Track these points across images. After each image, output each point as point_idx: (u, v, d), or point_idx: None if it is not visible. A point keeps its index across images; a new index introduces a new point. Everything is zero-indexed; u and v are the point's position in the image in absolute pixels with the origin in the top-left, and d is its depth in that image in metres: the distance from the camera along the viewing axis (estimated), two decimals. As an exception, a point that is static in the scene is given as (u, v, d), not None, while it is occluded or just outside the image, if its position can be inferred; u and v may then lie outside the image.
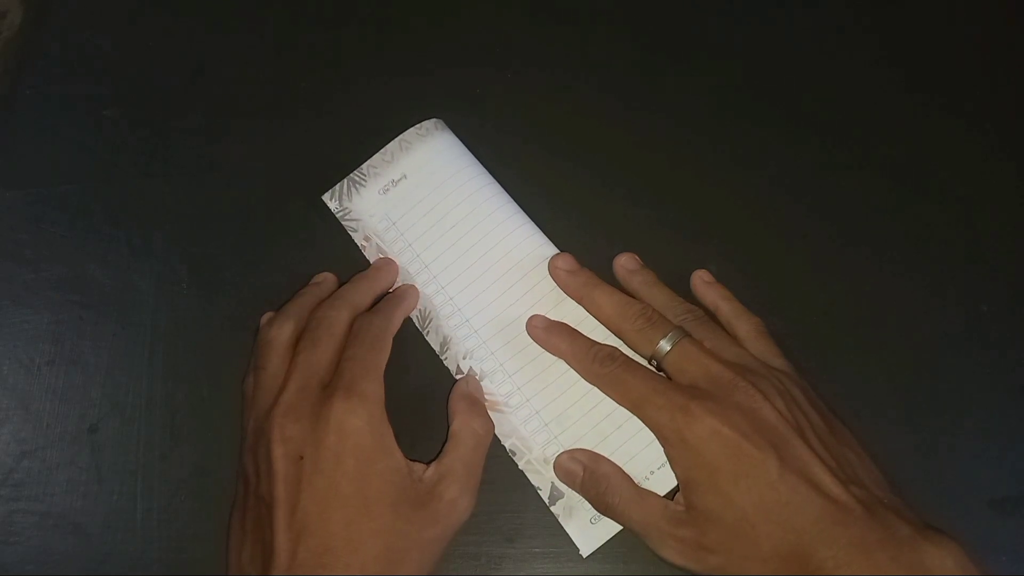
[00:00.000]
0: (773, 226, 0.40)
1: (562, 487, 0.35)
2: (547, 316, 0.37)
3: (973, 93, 0.43)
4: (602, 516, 0.34)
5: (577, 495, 0.35)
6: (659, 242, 0.39)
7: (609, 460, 0.34)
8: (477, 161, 0.41)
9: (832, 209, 0.40)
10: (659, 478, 0.35)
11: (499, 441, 0.36)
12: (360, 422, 0.31)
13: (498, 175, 0.40)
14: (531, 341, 0.37)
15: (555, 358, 0.37)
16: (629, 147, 0.42)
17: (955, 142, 0.42)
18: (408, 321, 0.38)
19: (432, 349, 0.38)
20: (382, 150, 0.41)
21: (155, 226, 0.40)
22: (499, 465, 0.36)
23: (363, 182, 0.40)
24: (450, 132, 0.41)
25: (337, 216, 0.40)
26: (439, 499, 0.32)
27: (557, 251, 0.39)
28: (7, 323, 0.39)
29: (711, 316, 0.37)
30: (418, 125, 0.41)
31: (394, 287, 0.39)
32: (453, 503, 0.32)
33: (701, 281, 0.38)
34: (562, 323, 0.37)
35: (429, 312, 0.38)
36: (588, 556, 0.34)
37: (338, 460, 0.31)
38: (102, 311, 0.39)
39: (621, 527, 0.34)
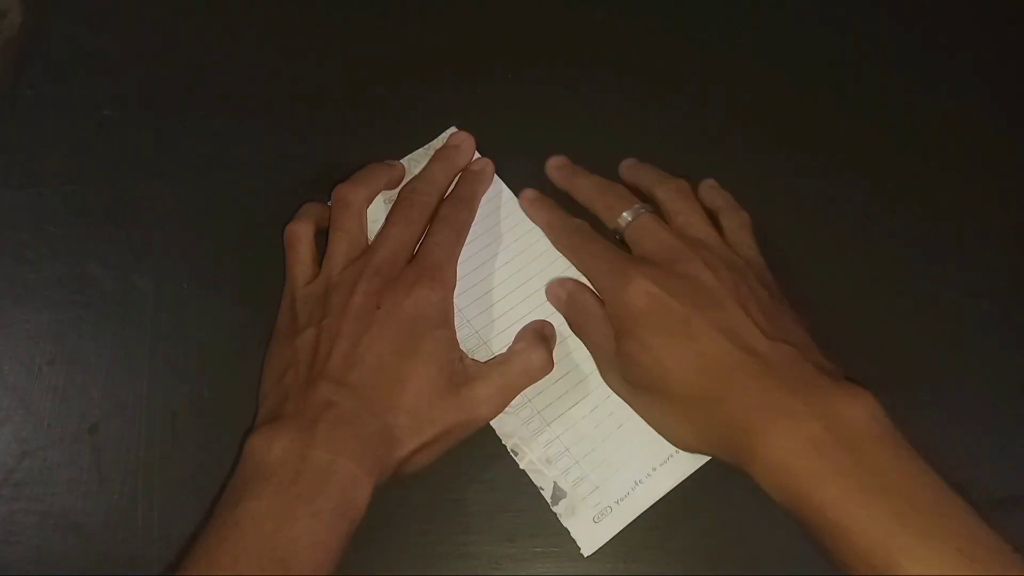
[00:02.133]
0: (772, 226, 0.40)
1: (564, 486, 0.35)
2: (543, 316, 0.38)
3: (974, 93, 0.43)
4: (606, 515, 0.34)
5: (582, 495, 0.35)
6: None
7: (592, 292, 0.37)
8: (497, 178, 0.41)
9: (832, 209, 0.40)
10: (661, 475, 0.35)
11: (500, 441, 0.36)
12: (436, 299, 0.35)
13: (504, 174, 0.41)
14: None
15: (557, 356, 0.37)
16: (641, 148, 0.42)
17: (955, 142, 0.42)
18: None
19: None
20: (406, 157, 0.41)
21: (155, 226, 0.40)
22: (499, 465, 0.36)
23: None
24: (496, 179, 0.41)
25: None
26: (468, 391, 0.34)
27: (560, 254, 0.39)
28: (8, 323, 0.39)
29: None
30: (428, 144, 0.41)
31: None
32: (477, 401, 0.34)
33: (705, 184, 0.40)
34: (548, 199, 0.39)
35: None
36: (590, 556, 0.34)
37: (408, 321, 0.33)
38: (103, 311, 0.39)
39: (624, 526, 0.34)
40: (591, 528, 0.34)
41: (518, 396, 0.36)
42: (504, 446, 0.36)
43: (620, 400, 0.36)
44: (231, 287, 0.39)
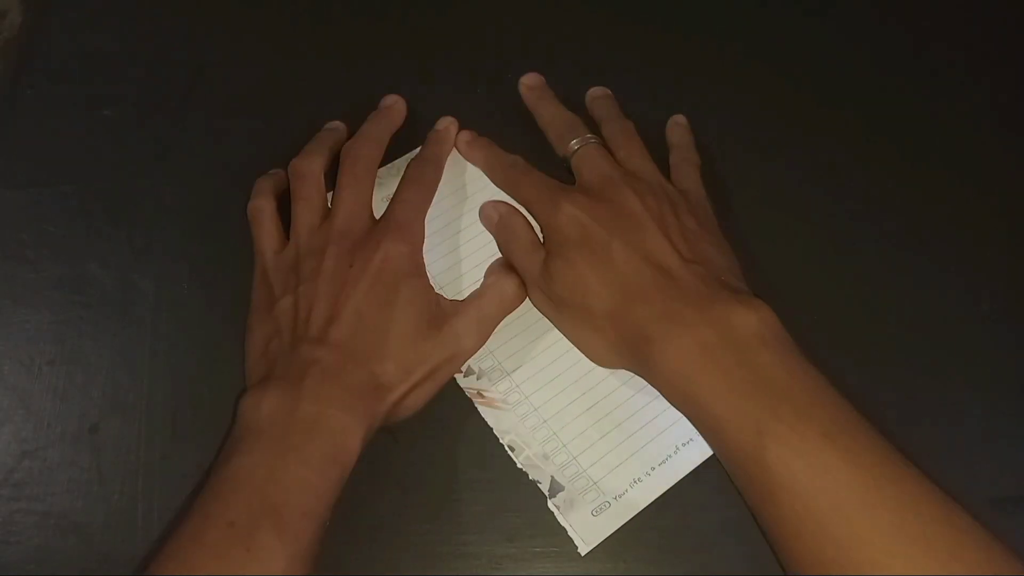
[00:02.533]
0: (771, 226, 0.40)
1: (562, 481, 0.35)
2: (541, 315, 0.38)
3: (973, 92, 0.43)
4: (603, 510, 0.34)
5: (579, 489, 0.35)
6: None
7: (522, 216, 0.38)
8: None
9: (831, 209, 0.40)
10: (659, 475, 0.35)
11: (498, 439, 0.36)
12: (406, 251, 0.36)
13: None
14: (529, 339, 0.37)
15: (553, 356, 0.37)
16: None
17: (955, 141, 0.42)
18: None
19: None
20: (389, 164, 0.41)
21: (155, 226, 0.40)
22: (499, 465, 0.36)
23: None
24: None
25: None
26: (448, 327, 0.35)
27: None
28: (8, 323, 0.39)
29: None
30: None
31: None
32: (458, 335, 0.35)
33: (673, 121, 0.42)
34: (484, 138, 0.41)
35: None
36: (587, 554, 0.34)
37: (381, 274, 0.35)
38: (103, 311, 0.39)
39: (624, 522, 0.34)
40: (589, 522, 0.34)
41: (515, 393, 0.36)
42: (501, 444, 0.36)
43: (619, 398, 0.36)
44: (231, 287, 0.39)
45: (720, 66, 0.44)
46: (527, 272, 0.37)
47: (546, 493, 0.35)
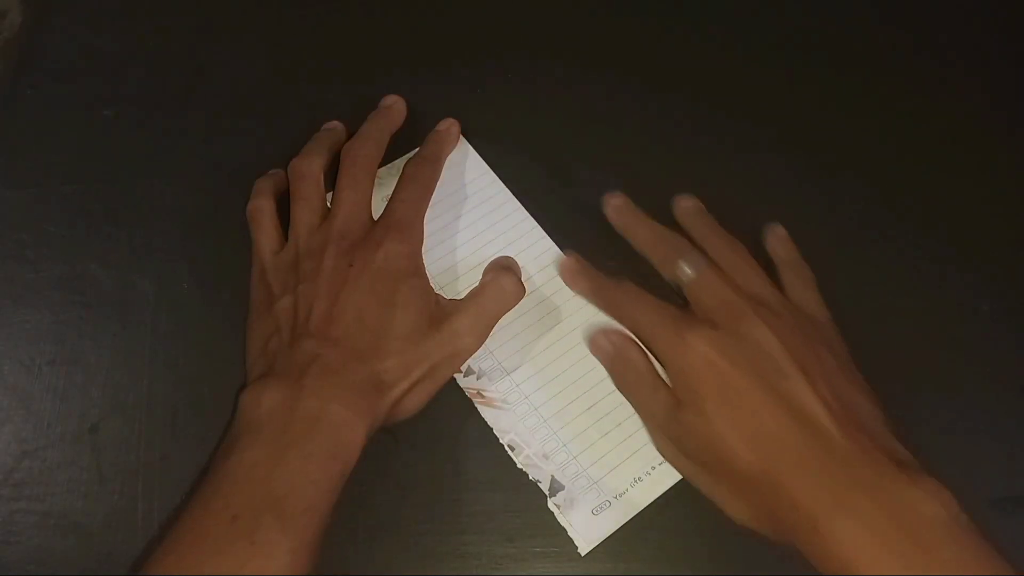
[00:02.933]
0: (770, 225, 0.40)
1: (562, 480, 0.35)
2: (541, 315, 0.38)
3: (973, 94, 0.43)
4: (604, 509, 0.34)
5: (580, 488, 0.35)
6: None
7: (639, 348, 0.35)
8: (486, 166, 0.41)
9: (831, 209, 0.40)
10: (660, 474, 0.35)
11: (497, 439, 0.36)
12: (406, 251, 0.36)
13: (504, 174, 0.41)
14: (529, 339, 0.37)
15: (553, 356, 0.37)
16: (634, 145, 0.42)
17: (955, 143, 0.42)
18: None
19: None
20: (389, 164, 0.41)
21: (155, 226, 0.40)
22: (499, 465, 0.36)
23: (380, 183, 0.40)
24: (464, 141, 0.42)
25: None
26: (448, 325, 0.35)
27: (556, 248, 0.39)
28: (8, 323, 0.39)
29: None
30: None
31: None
32: (458, 333, 0.35)
33: (772, 233, 0.39)
34: (584, 264, 0.38)
35: None
36: (587, 554, 0.34)
37: (381, 273, 0.34)
38: (103, 311, 0.39)
39: (624, 521, 0.34)
40: (589, 521, 0.34)
41: (515, 393, 0.36)
42: (501, 444, 0.36)
43: (619, 397, 0.36)
44: (231, 287, 0.39)
45: (718, 63, 0.44)
46: (651, 415, 0.34)
47: (546, 492, 0.35)
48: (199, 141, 0.42)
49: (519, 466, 0.35)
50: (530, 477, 0.35)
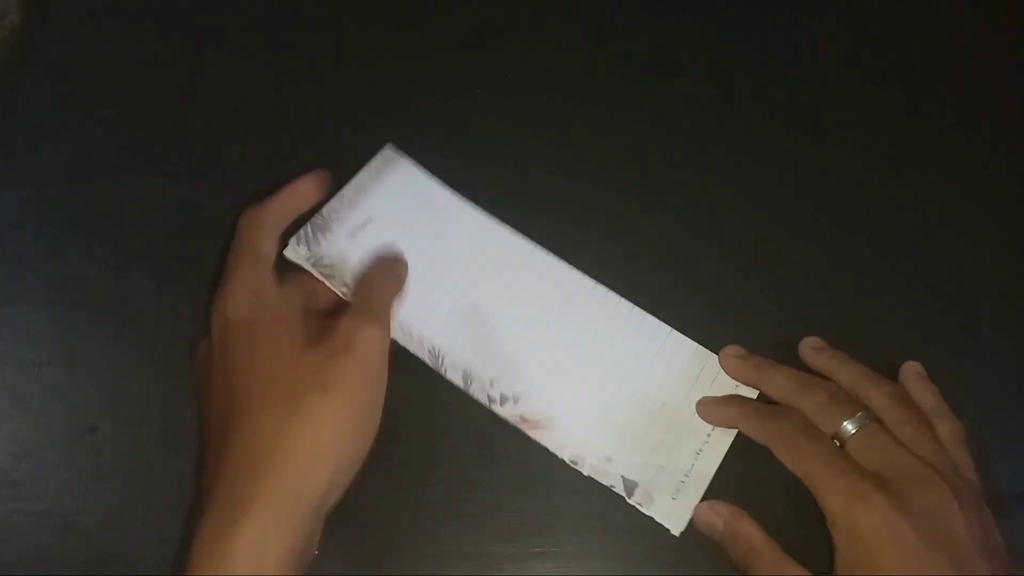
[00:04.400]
0: (771, 226, 0.40)
1: (634, 477, 0.35)
2: (553, 325, 0.37)
3: (972, 95, 0.43)
4: (681, 489, 0.34)
5: (651, 478, 0.35)
6: (652, 246, 0.40)
7: (753, 523, 0.33)
8: (442, 184, 0.40)
9: (831, 210, 0.41)
10: (716, 439, 0.35)
11: (496, 439, 0.36)
12: (382, 341, 0.33)
13: (472, 192, 0.40)
14: (555, 356, 0.37)
15: (577, 359, 0.37)
16: (601, 157, 0.42)
17: (955, 142, 0.42)
18: (422, 364, 0.37)
19: (455, 386, 0.37)
20: (338, 194, 0.39)
21: (155, 226, 0.40)
22: (499, 465, 0.36)
23: (327, 226, 0.38)
24: (406, 160, 0.40)
25: (308, 265, 0.37)
26: (339, 343, 0.32)
27: (555, 259, 0.38)
28: (6, 323, 0.39)
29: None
30: (367, 166, 0.40)
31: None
32: (364, 343, 0.32)
33: (913, 373, 0.36)
34: (740, 399, 0.36)
35: (440, 350, 0.37)
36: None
37: (364, 373, 0.32)
38: (102, 311, 0.39)
39: (702, 493, 0.34)
40: (671, 505, 0.34)
41: (557, 408, 0.36)
42: (495, 445, 0.36)
43: (653, 381, 0.36)
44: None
45: (696, 65, 0.44)
46: None
47: (623, 493, 0.35)
48: (199, 141, 0.42)
49: (586, 475, 0.35)
50: (604, 484, 0.35)
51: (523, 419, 0.36)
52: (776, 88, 0.43)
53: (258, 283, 0.34)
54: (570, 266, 0.38)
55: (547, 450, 0.35)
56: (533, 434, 0.36)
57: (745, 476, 0.35)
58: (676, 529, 0.34)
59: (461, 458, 0.36)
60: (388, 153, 0.40)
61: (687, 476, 0.35)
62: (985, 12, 0.45)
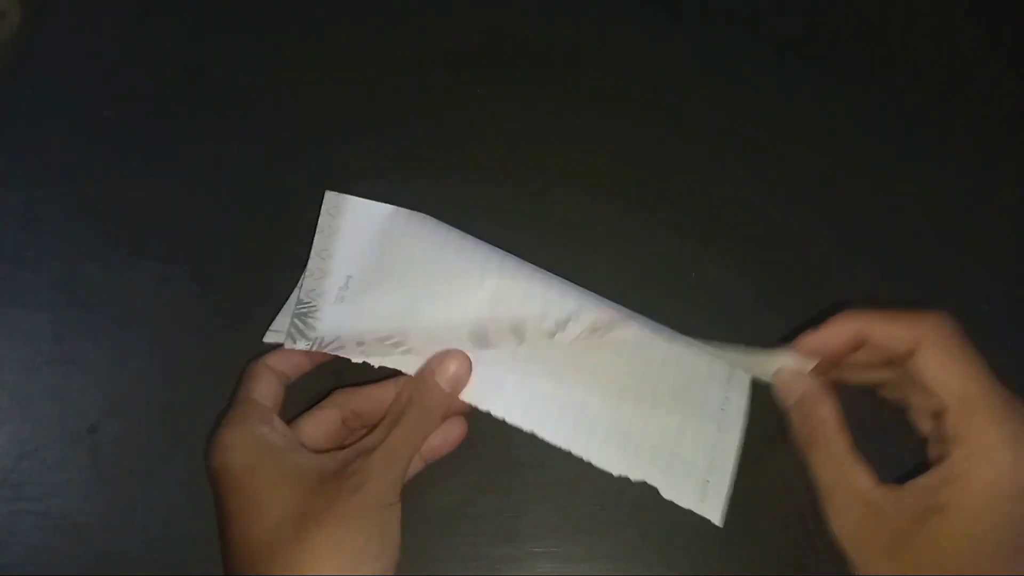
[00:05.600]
0: (772, 227, 0.40)
1: (663, 477, 0.34)
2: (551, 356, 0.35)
3: (972, 94, 0.43)
4: (711, 476, 0.34)
5: (678, 473, 0.34)
6: (643, 251, 0.40)
7: (829, 400, 0.31)
8: (396, 210, 0.37)
9: (831, 210, 0.40)
10: (730, 414, 0.35)
11: (492, 437, 0.35)
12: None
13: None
14: (546, 382, 0.35)
15: (581, 385, 0.35)
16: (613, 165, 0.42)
17: (955, 142, 0.42)
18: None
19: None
20: (306, 271, 0.36)
21: (155, 226, 0.40)
22: (500, 465, 0.36)
23: (313, 307, 0.36)
24: (352, 198, 0.37)
25: (317, 349, 0.35)
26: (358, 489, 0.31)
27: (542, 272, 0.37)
28: (7, 323, 0.39)
29: None
30: (319, 226, 0.37)
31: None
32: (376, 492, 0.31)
33: None
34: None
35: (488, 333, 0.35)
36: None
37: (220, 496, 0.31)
38: (102, 311, 0.39)
39: (732, 474, 0.34)
40: (705, 495, 0.34)
41: (576, 438, 0.34)
42: (497, 444, 0.35)
43: (655, 379, 0.35)
44: (231, 287, 0.39)
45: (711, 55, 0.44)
46: (832, 490, 0.30)
47: (658, 487, 0.34)
48: (199, 141, 0.42)
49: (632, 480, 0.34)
50: (644, 482, 0.34)
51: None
52: (766, 85, 0.43)
53: (249, 426, 0.32)
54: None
55: (547, 451, 0.35)
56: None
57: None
58: (718, 520, 0.33)
59: (461, 458, 0.36)
60: (332, 198, 0.37)
61: (712, 463, 0.34)
62: (983, 17, 0.45)
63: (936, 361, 0.29)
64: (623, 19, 0.45)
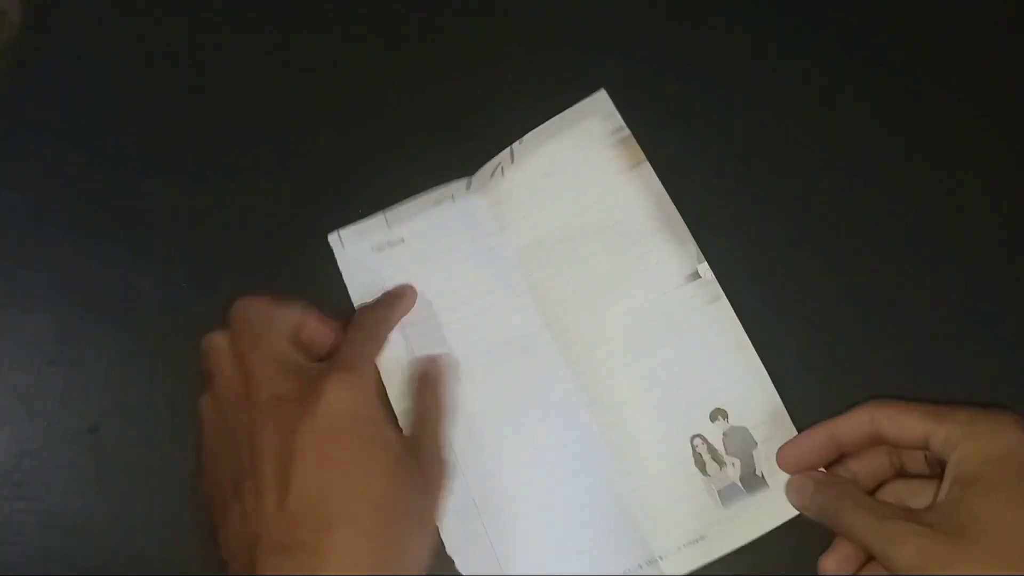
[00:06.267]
0: (772, 226, 0.40)
1: (659, 545, 0.34)
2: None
3: (973, 94, 0.43)
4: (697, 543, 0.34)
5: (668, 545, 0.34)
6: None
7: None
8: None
9: (831, 210, 0.40)
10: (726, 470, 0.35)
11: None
12: (352, 396, 0.31)
13: None
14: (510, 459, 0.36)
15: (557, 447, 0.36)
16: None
17: (955, 142, 0.42)
18: None
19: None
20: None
21: (155, 226, 0.40)
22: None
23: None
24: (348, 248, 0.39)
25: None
26: (416, 465, 0.32)
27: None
28: (8, 324, 0.39)
29: None
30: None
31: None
32: (428, 469, 0.33)
33: None
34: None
35: None
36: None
37: (328, 433, 0.30)
38: (102, 311, 0.39)
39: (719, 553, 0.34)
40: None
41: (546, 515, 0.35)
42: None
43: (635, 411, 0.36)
44: (231, 287, 0.39)
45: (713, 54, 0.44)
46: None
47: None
48: (199, 141, 0.42)
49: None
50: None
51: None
52: (771, 85, 0.43)
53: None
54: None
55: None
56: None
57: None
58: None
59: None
60: (334, 240, 0.39)
61: (702, 536, 0.34)
62: (980, 18, 0.45)
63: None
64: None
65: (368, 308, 0.37)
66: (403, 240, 0.39)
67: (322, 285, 0.39)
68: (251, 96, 0.44)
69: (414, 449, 0.33)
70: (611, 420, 0.36)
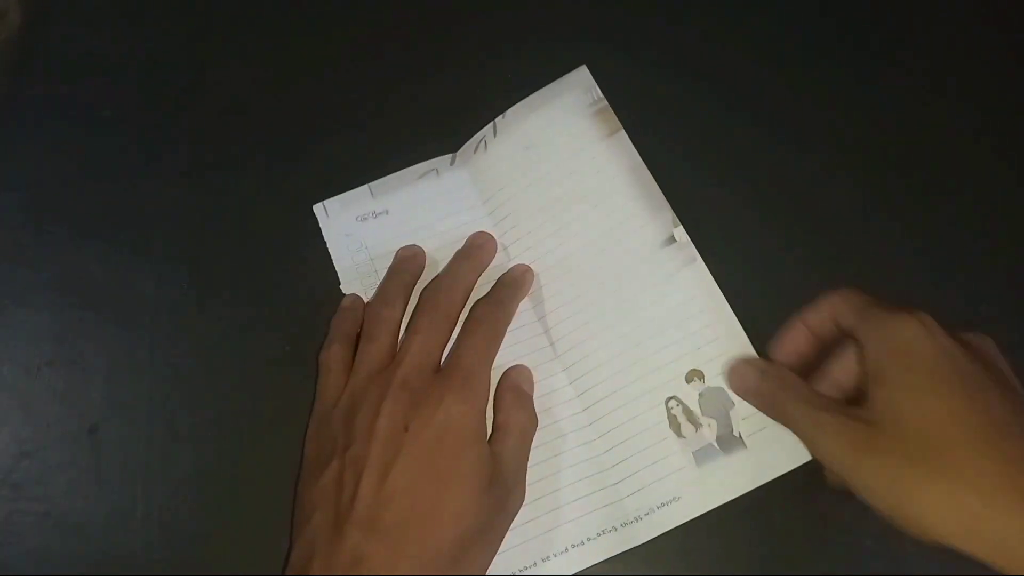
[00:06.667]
0: (772, 226, 0.40)
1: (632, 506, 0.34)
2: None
3: (973, 94, 0.43)
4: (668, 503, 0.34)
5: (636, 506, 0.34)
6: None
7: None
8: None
9: (832, 210, 0.40)
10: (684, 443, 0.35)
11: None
12: (468, 409, 0.32)
13: None
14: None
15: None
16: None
17: (955, 142, 0.42)
18: None
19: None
20: (383, 179, 0.40)
21: (155, 226, 0.40)
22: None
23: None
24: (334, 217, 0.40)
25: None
26: (500, 490, 0.32)
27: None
28: (7, 324, 0.39)
29: None
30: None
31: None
32: (509, 495, 0.33)
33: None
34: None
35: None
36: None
37: (440, 438, 0.32)
38: (102, 311, 0.39)
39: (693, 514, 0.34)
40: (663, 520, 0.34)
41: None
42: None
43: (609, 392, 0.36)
44: (231, 287, 0.39)
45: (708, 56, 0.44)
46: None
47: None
48: (199, 141, 0.42)
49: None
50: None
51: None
52: (770, 85, 0.43)
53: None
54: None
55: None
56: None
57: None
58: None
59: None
60: (319, 209, 0.40)
61: (674, 498, 0.34)
62: (977, 23, 0.45)
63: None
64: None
65: (485, 306, 0.36)
66: (387, 211, 0.40)
67: (320, 283, 0.39)
68: (250, 96, 0.44)
69: (501, 466, 0.33)
70: (588, 383, 0.36)
